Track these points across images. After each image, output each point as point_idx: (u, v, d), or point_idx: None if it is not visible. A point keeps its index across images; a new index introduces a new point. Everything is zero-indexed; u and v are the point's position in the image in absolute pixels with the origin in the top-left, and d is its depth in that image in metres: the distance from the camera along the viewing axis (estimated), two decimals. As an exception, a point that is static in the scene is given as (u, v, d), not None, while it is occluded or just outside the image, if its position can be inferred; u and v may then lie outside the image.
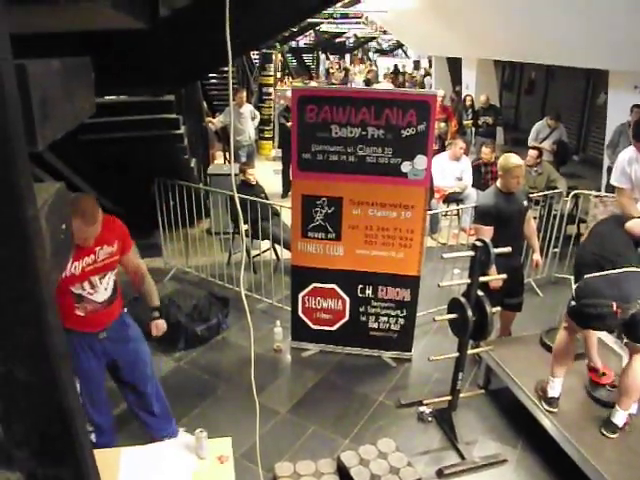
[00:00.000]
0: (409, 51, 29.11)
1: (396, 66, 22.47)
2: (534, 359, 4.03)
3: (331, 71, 16.70)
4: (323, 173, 4.21)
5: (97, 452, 1.18)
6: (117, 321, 3.11)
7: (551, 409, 3.54)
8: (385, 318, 4.54)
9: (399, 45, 29.99)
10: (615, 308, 3.04)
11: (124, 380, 3.24)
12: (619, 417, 3.32)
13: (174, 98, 5.13)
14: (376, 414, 4.01)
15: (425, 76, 18.44)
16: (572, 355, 3.54)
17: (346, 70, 17.95)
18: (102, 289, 2.95)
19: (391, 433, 3.74)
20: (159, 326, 3.33)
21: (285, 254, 5.67)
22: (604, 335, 4.23)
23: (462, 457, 3.60)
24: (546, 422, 3.51)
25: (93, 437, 3.09)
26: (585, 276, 3.25)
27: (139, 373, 3.24)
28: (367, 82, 16.20)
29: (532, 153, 7.15)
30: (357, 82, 16.94)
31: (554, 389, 3.54)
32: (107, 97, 4.76)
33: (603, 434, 3.33)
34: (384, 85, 13.31)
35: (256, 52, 14.00)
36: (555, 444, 3.38)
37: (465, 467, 3.53)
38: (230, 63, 1.65)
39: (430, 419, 3.91)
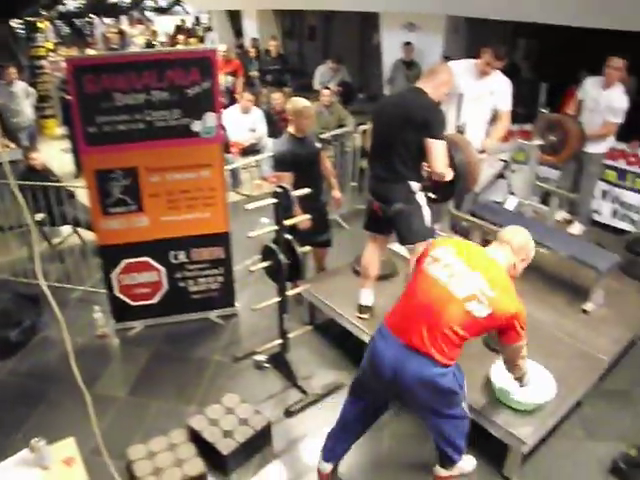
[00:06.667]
0: (188, 7, 28.17)
1: (178, 26, 21.51)
2: (350, 287, 4.28)
3: (108, 35, 15.55)
4: (113, 145, 4.02)
5: None
6: None
7: (362, 316, 3.99)
8: (204, 279, 4.56)
9: (176, 2, 28.87)
10: (375, 206, 3.68)
11: None
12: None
13: None
14: (215, 374, 4.07)
15: (207, 31, 17.98)
16: (376, 265, 3.97)
17: (122, 33, 16.80)
18: None
19: (233, 388, 3.83)
20: None
21: (89, 235, 5.38)
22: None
23: (304, 392, 3.81)
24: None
25: None
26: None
27: None
28: (148, 44, 15.50)
29: (326, 92, 7.43)
30: (137, 45, 15.98)
31: (364, 299, 4.00)
32: None
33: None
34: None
35: (19, 21, 12.54)
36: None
37: (309, 400, 3.75)
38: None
39: (267, 365, 4.05)
